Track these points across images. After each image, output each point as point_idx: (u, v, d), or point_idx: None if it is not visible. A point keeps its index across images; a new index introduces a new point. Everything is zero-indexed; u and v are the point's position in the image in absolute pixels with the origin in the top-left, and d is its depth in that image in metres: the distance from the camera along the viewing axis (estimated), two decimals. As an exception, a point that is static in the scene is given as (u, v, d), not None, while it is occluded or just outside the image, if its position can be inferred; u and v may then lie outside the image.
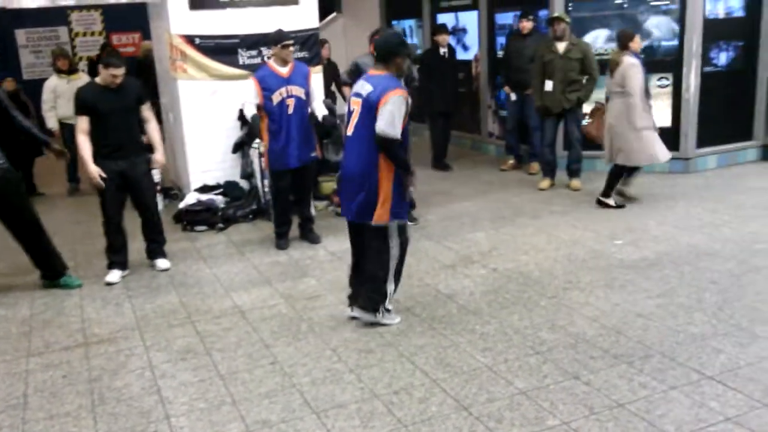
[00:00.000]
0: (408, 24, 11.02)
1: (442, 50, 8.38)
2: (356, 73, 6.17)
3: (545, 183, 7.35)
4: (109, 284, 5.21)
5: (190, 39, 6.84)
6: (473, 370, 3.66)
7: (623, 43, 6.28)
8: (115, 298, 4.98)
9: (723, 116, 7.76)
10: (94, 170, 5.09)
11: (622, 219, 6.14)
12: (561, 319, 4.22)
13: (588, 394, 3.36)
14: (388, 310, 4.28)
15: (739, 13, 7.69)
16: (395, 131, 3.90)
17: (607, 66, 6.44)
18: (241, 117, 7.03)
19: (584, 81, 7.04)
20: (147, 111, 5.35)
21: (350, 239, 4.39)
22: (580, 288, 4.68)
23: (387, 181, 4.03)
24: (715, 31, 7.55)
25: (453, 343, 3.98)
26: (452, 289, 4.80)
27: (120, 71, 5.01)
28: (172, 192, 7.63)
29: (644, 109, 6.19)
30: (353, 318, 4.31)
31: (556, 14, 7.15)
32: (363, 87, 4.07)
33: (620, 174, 6.52)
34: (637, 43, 6.33)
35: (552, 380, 3.51)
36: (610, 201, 6.52)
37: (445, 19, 9.79)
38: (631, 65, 6.14)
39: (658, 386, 3.40)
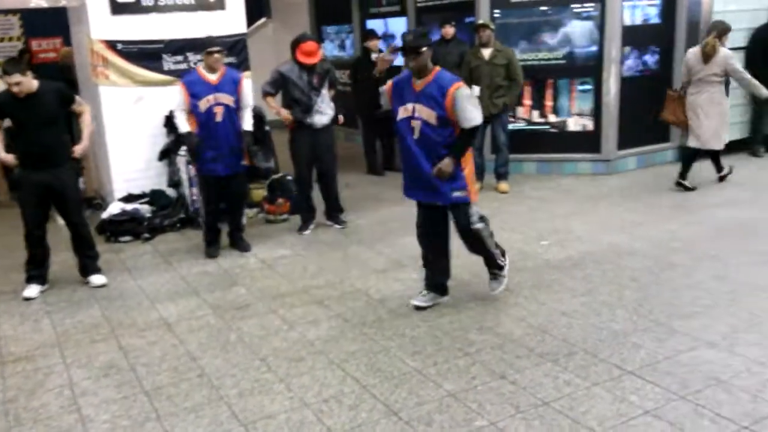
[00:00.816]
0: (335, 29, 11.01)
1: (374, 56, 8.40)
2: (280, 82, 6.08)
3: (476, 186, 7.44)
4: (27, 299, 5.01)
5: (111, 44, 6.65)
6: (403, 374, 3.68)
7: (720, 34, 6.80)
8: (34, 314, 4.78)
9: (642, 119, 8.05)
10: (5, 157, 4.92)
11: (548, 220, 6.29)
12: (489, 320, 4.29)
13: (514, 394, 3.43)
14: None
15: (656, 20, 8.01)
16: None
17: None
18: (168, 124, 6.89)
19: (509, 86, 7.18)
20: (78, 106, 5.14)
21: None
22: (509, 289, 4.75)
23: None
24: (634, 37, 7.84)
25: (383, 348, 3.99)
26: (383, 293, 4.81)
27: (14, 79, 4.66)
28: (95, 202, 7.39)
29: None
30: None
31: (481, 21, 7.28)
32: None
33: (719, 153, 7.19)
34: (727, 38, 6.95)
35: (480, 381, 3.56)
36: (724, 171, 7.26)
37: (375, 25, 9.84)
38: (731, 56, 6.79)
39: (582, 383, 3.49)
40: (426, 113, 4.16)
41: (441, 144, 4.20)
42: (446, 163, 4.17)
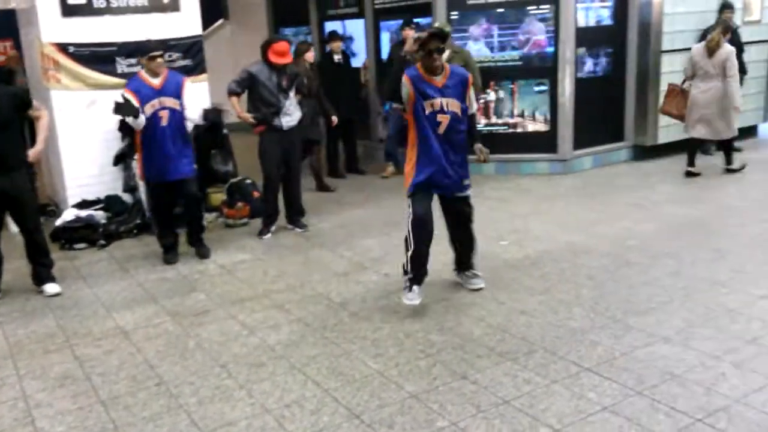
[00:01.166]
0: (293, 30, 10.97)
1: (337, 57, 8.42)
2: (248, 82, 6.02)
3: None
4: (-23, 310, 4.87)
5: (63, 47, 6.52)
6: (365, 377, 3.68)
7: (725, 30, 7.22)
8: (-15, 325, 4.65)
9: (597, 119, 8.21)
10: None
11: (507, 220, 6.36)
12: (449, 320, 4.31)
13: (475, 393, 3.45)
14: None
15: (608, 21, 8.16)
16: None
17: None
18: (122, 128, 6.77)
19: None
20: (36, 111, 5.02)
21: None
22: (467, 289, 4.79)
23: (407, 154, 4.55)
24: (587, 38, 7.97)
25: (345, 352, 3.98)
26: (344, 296, 4.80)
27: None
28: (49, 209, 7.22)
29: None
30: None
31: (436, 25, 7.26)
32: None
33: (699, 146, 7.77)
34: (727, 34, 7.42)
35: (441, 382, 3.58)
36: (696, 170, 7.63)
37: (332, 27, 9.82)
38: (732, 52, 7.21)
39: (541, 381, 3.54)
40: (455, 106, 4.36)
41: (463, 134, 4.46)
42: (482, 147, 4.47)
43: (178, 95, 5.53)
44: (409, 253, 4.45)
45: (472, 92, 4.49)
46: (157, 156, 5.51)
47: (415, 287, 4.45)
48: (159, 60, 5.45)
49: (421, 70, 4.36)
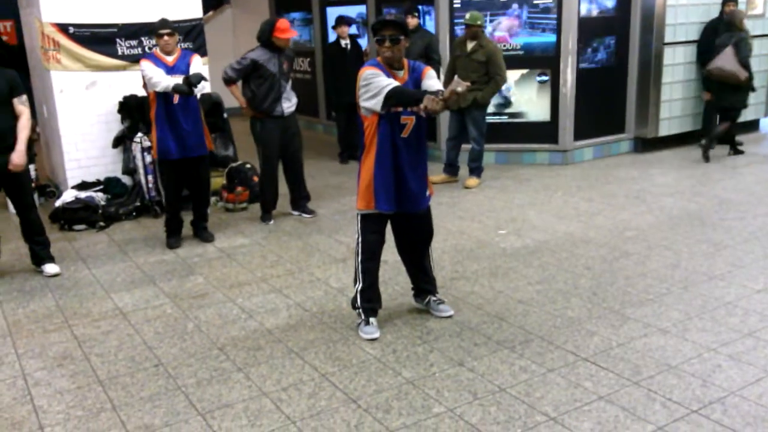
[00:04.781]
0: (301, 15, 10.93)
1: (344, 42, 8.46)
2: (249, 69, 5.95)
3: (438, 177, 7.35)
4: (-24, 289, 4.88)
5: (63, 27, 6.48)
6: (362, 362, 3.69)
7: None
8: (-16, 304, 4.66)
9: (598, 110, 8.19)
10: None
11: (506, 209, 6.37)
12: (447, 308, 4.33)
13: (472, 381, 3.47)
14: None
15: (611, 12, 8.13)
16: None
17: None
18: (122, 109, 6.75)
19: (486, 81, 6.93)
20: (19, 104, 4.92)
21: None
22: (466, 277, 4.81)
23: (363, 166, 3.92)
24: (590, 29, 7.94)
25: (343, 337, 3.99)
26: (343, 282, 4.81)
27: None
28: (49, 189, 7.21)
29: None
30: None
31: (467, 17, 7.07)
32: None
33: None
34: None
35: (438, 368, 3.60)
36: None
37: (335, 12, 9.77)
38: None
39: (537, 369, 3.55)
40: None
41: (424, 137, 3.95)
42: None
43: (186, 73, 5.49)
44: (359, 287, 4.01)
45: (434, 73, 3.98)
46: (170, 133, 5.49)
47: (372, 319, 4.03)
48: (166, 38, 5.45)
49: (382, 62, 3.85)
